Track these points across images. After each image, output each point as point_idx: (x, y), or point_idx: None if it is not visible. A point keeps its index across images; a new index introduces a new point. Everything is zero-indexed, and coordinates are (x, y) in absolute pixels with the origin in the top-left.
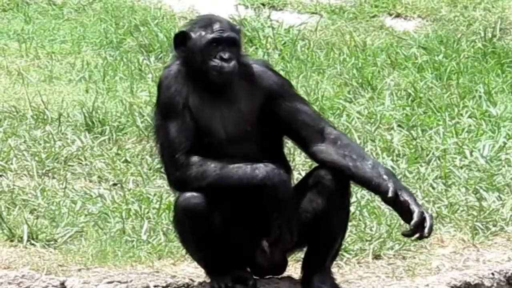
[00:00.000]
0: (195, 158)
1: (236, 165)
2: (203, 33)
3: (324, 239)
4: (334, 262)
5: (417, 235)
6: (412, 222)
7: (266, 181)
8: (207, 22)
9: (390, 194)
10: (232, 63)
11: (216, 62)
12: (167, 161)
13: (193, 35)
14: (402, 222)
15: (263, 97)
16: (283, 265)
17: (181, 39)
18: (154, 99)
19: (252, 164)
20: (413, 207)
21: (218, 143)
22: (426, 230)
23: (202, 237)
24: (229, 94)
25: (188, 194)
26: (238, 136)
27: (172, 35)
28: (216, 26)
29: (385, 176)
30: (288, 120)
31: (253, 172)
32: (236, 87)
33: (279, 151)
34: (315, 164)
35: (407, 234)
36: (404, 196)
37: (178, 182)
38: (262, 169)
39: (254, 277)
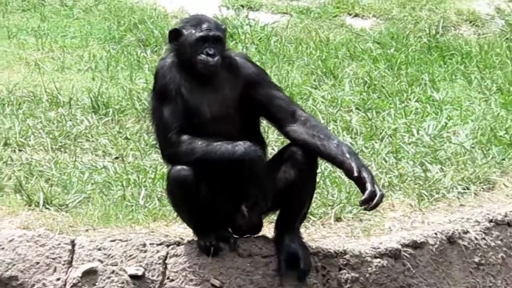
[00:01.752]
0: (185, 137)
1: (220, 143)
2: (193, 31)
3: (294, 204)
4: (302, 224)
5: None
6: (362, 199)
7: (245, 156)
8: (197, 21)
9: (355, 174)
10: (216, 58)
11: (202, 56)
12: (161, 139)
13: (184, 32)
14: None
15: (243, 84)
16: (259, 226)
17: (174, 35)
18: (150, 86)
19: (233, 142)
20: (368, 185)
21: (205, 123)
22: (369, 207)
23: (190, 203)
24: (215, 82)
25: (179, 167)
26: (222, 117)
27: (166, 31)
28: (204, 26)
29: (348, 155)
30: (264, 104)
31: (233, 149)
32: (220, 76)
33: (256, 130)
34: (287, 141)
35: (359, 205)
36: (364, 174)
37: (170, 157)
38: (241, 146)
39: (235, 236)
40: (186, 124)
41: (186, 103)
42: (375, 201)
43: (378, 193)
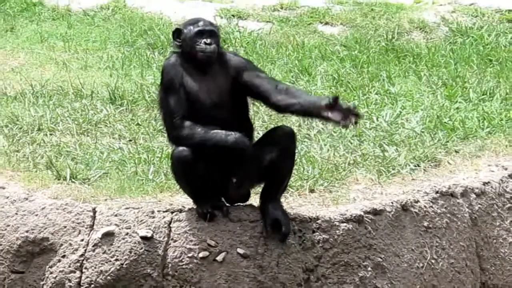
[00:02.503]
0: (187, 123)
1: (215, 131)
2: (191, 27)
3: (277, 178)
4: (283, 195)
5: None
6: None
7: (235, 145)
8: (194, 20)
9: (327, 101)
10: (213, 46)
11: (201, 46)
12: (167, 124)
13: (184, 30)
14: (330, 166)
15: (234, 73)
16: (247, 196)
17: (176, 33)
18: (158, 81)
19: (226, 131)
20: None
21: (205, 109)
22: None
23: (190, 177)
24: (212, 73)
25: (181, 148)
26: (219, 103)
27: (170, 37)
28: (201, 23)
29: (322, 99)
30: (251, 85)
31: (226, 138)
32: (215, 68)
33: (246, 115)
34: (271, 126)
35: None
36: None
37: (174, 139)
38: (232, 136)
39: (227, 204)
40: (189, 111)
41: (188, 93)
42: (352, 112)
43: (351, 106)
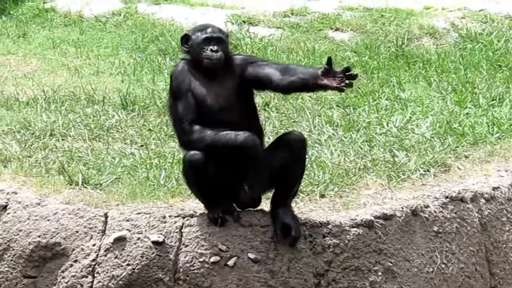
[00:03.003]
0: (196, 127)
1: (225, 132)
2: (199, 34)
3: (287, 183)
4: (293, 200)
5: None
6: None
7: (244, 144)
8: (203, 27)
9: (322, 69)
10: (219, 53)
11: (208, 53)
12: (178, 130)
13: (192, 36)
14: (341, 171)
15: (239, 72)
16: (258, 201)
17: (185, 39)
18: (168, 88)
19: (236, 131)
20: (336, 69)
21: (213, 113)
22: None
23: (201, 182)
24: (219, 78)
25: (192, 152)
26: (226, 107)
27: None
28: (209, 29)
29: (317, 68)
30: (255, 76)
31: (236, 137)
32: (223, 73)
33: (255, 119)
34: (281, 132)
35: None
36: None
37: (185, 144)
38: (242, 135)
39: (238, 209)
40: (197, 115)
41: (196, 98)
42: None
43: (345, 68)
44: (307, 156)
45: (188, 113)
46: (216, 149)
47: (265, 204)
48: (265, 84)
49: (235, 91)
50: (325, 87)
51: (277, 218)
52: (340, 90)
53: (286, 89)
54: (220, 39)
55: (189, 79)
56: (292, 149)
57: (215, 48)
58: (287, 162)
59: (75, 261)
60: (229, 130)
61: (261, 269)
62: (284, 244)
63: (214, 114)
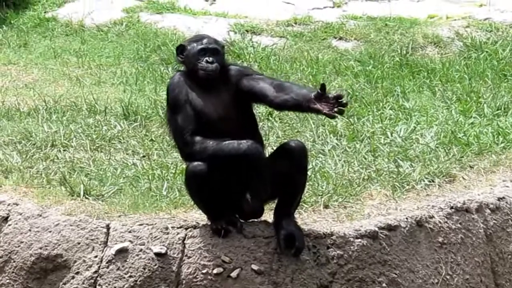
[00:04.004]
0: (197, 138)
1: (227, 142)
2: (195, 44)
3: (290, 193)
4: (296, 210)
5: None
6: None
7: (248, 152)
8: (198, 37)
9: (315, 93)
10: (215, 65)
11: (203, 64)
12: (178, 142)
13: (188, 46)
14: (344, 181)
15: (234, 83)
16: (261, 212)
17: (180, 50)
18: (166, 100)
19: (238, 141)
20: (329, 95)
21: (212, 123)
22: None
23: (204, 193)
24: (215, 88)
25: (195, 163)
26: (225, 116)
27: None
28: (205, 40)
29: (311, 91)
30: (250, 89)
31: (238, 146)
32: (220, 82)
33: (255, 128)
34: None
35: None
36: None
37: (187, 156)
38: (244, 144)
39: (241, 220)
40: (197, 126)
41: (194, 108)
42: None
43: (337, 95)
44: (309, 166)
45: (188, 125)
46: (220, 159)
47: (269, 215)
48: (259, 98)
49: (232, 101)
50: (317, 111)
51: (280, 228)
52: (331, 116)
53: (280, 106)
54: (215, 50)
55: (186, 90)
56: (293, 158)
57: (210, 59)
58: (288, 171)
59: (77, 273)
60: (229, 139)
61: (265, 281)
62: (288, 255)
63: (213, 124)
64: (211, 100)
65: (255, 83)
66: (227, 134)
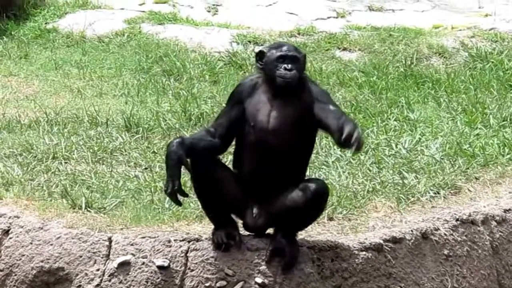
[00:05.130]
0: (201, 129)
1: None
2: (274, 51)
3: (297, 223)
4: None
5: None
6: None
7: (168, 149)
8: (278, 44)
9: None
10: (293, 72)
11: (281, 71)
12: None
13: (267, 53)
14: (349, 193)
15: (308, 103)
16: (264, 230)
17: (259, 56)
18: (173, 109)
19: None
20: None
21: (261, 132)
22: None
23: (206, 192)
24: (285, 100)
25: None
26: (277, 129)
27: (186, 63)
28: (284, 48)
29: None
30: (320, 118)
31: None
32: (292, 95)
33: (306, 154)
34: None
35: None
36: (345, 125)
37: None
38: (172, 141)
39: (241, 233)
40: (223, 127)
41: (244, 111)
42: (354, 135)
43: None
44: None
45: (218, 119)
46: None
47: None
48: (327, 132)
49: (296, 117)
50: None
51: (273, 240)
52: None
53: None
54: (295, 58)
55: (250, 93)
56: (311, 198)
57: (289, 66)
58: (302, 207)
59: (79, 286)
60: (272, 155)
61: None
62: (293, 269)
63: (261, 133)
64: (273, 110)
65: (325, 115)
66: (273, 148)
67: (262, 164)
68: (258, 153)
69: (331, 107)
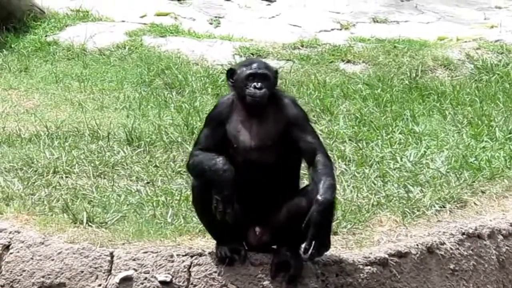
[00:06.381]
0: (199, 152)
1: (211, 156)
2: (244, 69)
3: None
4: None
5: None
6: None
7: (216, 169)
8: (249, 62)
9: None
10: (263, 90)
11: (251, 89)
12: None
13: (238, 70)
14: (353, 207)
15: (284, 122)
16: (268, 246)
17: (230, 74)
18: (176, 123)
19: (216, 157)
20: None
21: (244, 150)
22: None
23: (205, 211)
24: (262, 116)
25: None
26: (260, 146)
27: (188, 76)
28: (254, 65)
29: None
30: (296, 143)
31: (213, 162)
32: (267, 112)
33: (295, 169)
34: None
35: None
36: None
37: (187, 168)
38: (220, 162)
39: (246, 248)
40: (214, 148)
41: (225, 133)
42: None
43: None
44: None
45: (204, 141)
46: (197, 173)
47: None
48: (304, 159)
49: (275, 134)
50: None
51: (277, 253)
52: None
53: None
54: (265, 76)
55: (228, 113)
56: (315, 218)
57: (258, 85)
58: (306, 211)
59: None
60: (259, 172)
61: None
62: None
63: (246, 153)
64: (252, 128)
65: (302, 144)
66: (260, 166)
67: (253, 182)
68: (246, 173)
69: (308, 137)
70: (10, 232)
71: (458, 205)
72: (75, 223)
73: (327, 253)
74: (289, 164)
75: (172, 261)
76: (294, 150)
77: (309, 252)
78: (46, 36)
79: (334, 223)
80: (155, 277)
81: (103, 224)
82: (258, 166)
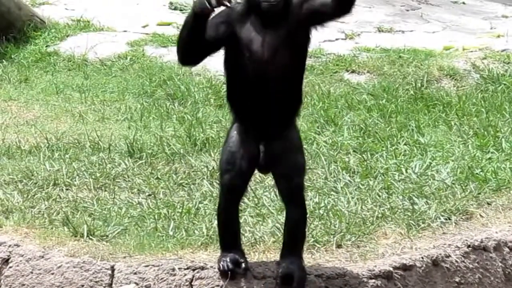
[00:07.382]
0: None
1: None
2: None
3: (288, 230)
4: (308, 250)
5: None
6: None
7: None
8: None
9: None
10: None
11: None
12: None
13: None
14: (358, 220)
15: (295, 15)
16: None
17: None
18: (178, 134)
19: None
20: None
21: (256, 61)
22: None
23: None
24: (274, 24)
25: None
26: (270, 57)
27: (190, 87)
28: None
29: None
30: (310, 9)
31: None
32: (280, 19)
33: (299, 83)
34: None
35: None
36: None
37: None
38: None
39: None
40: (240, 61)
41: (238, 42)
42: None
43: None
44: (321, 205)
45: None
46: (182, 32)
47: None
48: (323, 12)
49: (287, 40)
50: None
51: (281, 266)
52: None
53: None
54: None
55: (240, 20)
56: (287, 193)
57: None
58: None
59: None
60: (268, 82)
61: None
62: None
63: (257, 64)
64: (264, 38)
65: (314, 2)
66: (269, 78)
67: (262, 95)
68: (257, 85)
69: None
70: (10, 246)
71: (463, 217)
72: (75, 236)
73: (331, 265)
74: (297, 79)
75: (174, 275)
76: (304, 55)
77: None
78: (46, 46)
79: (338, 236)
80: None
81: (104, 237)
82: (269, 78)
